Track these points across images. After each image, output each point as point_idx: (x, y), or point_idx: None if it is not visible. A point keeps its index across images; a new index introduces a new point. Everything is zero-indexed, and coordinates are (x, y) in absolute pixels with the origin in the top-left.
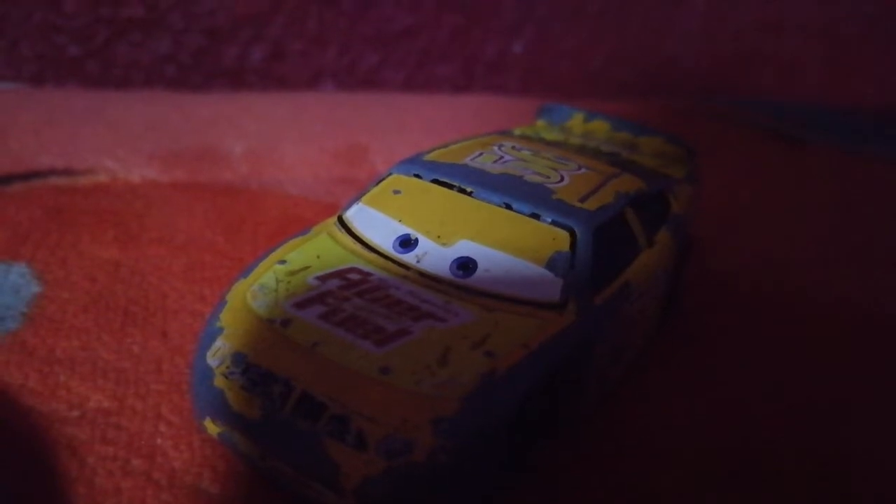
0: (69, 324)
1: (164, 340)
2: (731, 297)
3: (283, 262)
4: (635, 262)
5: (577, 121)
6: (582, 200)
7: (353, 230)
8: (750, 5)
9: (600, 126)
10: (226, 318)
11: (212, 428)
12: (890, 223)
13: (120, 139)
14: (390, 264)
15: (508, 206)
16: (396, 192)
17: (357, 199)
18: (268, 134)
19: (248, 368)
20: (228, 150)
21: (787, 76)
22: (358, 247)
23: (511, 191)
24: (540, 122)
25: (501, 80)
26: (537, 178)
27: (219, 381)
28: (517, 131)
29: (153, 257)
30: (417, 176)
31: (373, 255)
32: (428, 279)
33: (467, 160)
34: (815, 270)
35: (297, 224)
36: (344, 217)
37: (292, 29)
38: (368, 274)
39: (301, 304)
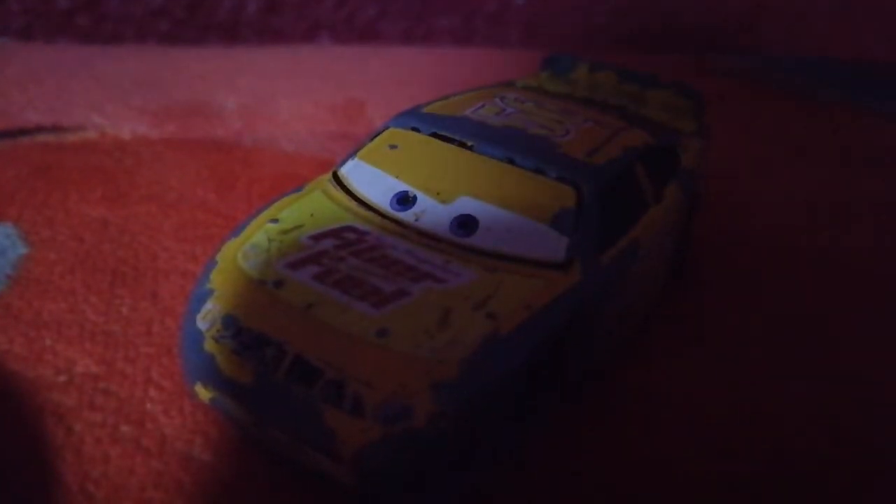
0: (56, 285)
1: (154, 301)
2: (739, 258)
3: (275, 220)
4: (643, 219)
5: (581, 72)
6: (588, 155)
7: (348, 187)
8: None
9: (606, 77)
10: (216, 279)
11: (203, 393)
12: None
13: (110, 94)
14: (387, 223)
15: (511, 161)
16: (393, 146)
17: (352, 154)
18: (262, 89)
19: (240, 331)
20: (221, 106)
21: (794, 31)
22: (353, 204)
23: (514, 144)
24: (544, 74)
25: (502, 32)
26: (541, 132)
27: (209, 345)
28: (520, 83)
29: (143, 215)
30: (415, 129)
31: (369, 213)
32: (427, 238)
33: (468, 112)
34: (825, 229)
35: (291, 181)
36: (339, 173)
37: None
38: (365, 233)
39: (294, 265)
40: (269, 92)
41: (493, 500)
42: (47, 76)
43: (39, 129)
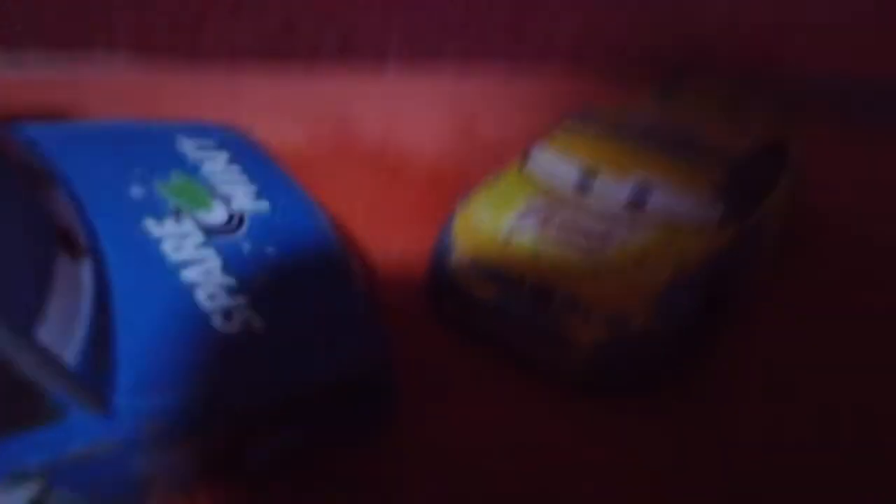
0: None
1: None
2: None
3: (483, 196)
4: (766, 199)
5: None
6: (730, 143)
7: (537, 171)
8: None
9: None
10: (458, 234)
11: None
12: None
13: None
14: (577, 197)
15: (673, 149)
16: (576, 135)
17: (538, 144)
18: (396, 107)
19: (481, 269)
20: (363, 121)
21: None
22: (544, 185)
23: (673, 137)
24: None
25: None
26: (694, 128)
27: (458, 280)
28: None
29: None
30: (588, 124)
31: (559, 191)
32: (610, 208)
33: (635, 114)
34: None
35: (444, 181)
36: (529, 160)
37: None
38: (560, 206)
39: (517, 219)
40: (403, 109)
41: None
42: None
43: None
